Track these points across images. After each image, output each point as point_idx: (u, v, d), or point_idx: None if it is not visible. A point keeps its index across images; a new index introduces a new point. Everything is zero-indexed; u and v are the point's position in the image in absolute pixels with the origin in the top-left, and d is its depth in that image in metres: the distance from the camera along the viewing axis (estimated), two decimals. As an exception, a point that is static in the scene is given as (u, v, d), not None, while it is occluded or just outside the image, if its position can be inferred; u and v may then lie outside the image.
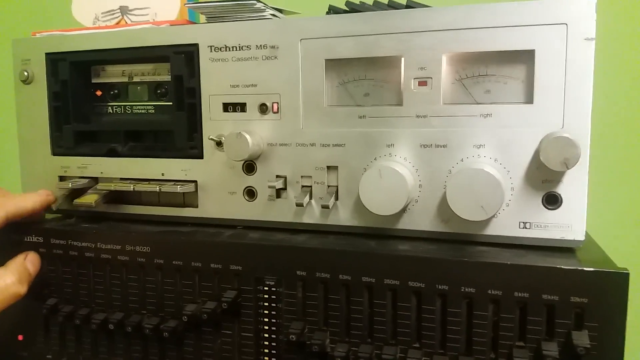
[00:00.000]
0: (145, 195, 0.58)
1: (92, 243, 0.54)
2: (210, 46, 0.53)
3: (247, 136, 0.50)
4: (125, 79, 0.59)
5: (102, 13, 0.67)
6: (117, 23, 0.67)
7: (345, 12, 0.52)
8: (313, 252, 0.47)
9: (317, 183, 0.51)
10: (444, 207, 0.47)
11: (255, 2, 0.55)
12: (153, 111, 0.59)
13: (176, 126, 0.55)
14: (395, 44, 0.47)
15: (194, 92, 0.54)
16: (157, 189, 0.54)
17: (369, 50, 0.48)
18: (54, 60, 0.59)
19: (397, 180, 0.45)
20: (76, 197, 0.58)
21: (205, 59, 0.53)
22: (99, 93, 0.61)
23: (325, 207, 0.49)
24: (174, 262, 0.51)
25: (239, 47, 0.52)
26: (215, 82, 0.53)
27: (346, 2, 0.55)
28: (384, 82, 0.49)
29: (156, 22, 0.59)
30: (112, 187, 0.55)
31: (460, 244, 0.47)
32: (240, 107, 0.53)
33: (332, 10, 0.56)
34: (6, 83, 0.94)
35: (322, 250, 0.47)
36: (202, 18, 0.59)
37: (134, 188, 0.55)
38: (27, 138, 0.61)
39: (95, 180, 0.59)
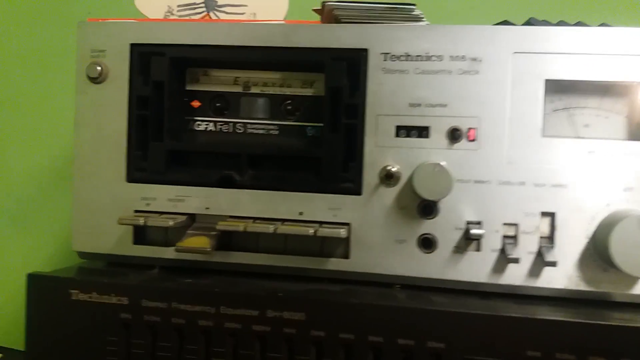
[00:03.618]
0: (264, 240, 0.44)
1: (211, 307, 0.38)
2: (385, 53, 0.41)
3: (449, 170, 0.39)
4: (239, 89, 0.45)
5: (179, 6, 0.53)
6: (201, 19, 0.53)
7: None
8: (552, 325, 0.36)
9: (526, 233, 0.40)
10: (697, 268, 0.38)
11: (414, 7, 0.45)
12: (277, 132, 0.45)
13: (327, 152, 0.42)
14: (642, 67, 0.39)
15: (356, 111, 0.42)
16: (311, 232, 0.40)
17: (606, 72, 0.39)
18: (145, 54, 0.44)
19: (668, 234, 0.36)
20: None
21: (376, 69, 0.41)
22: (196, 104, 0.46)
23: (550, 264, 0.38)
24: (340, 336, 0.37)
25: (426, 56, 0.41)
26: (387, 99, 0.41)
27: (530, 18, 0.47)
28: (611, 112, 0.41)
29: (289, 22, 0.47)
30: (241, 227, 0.40)
31: None
32: (421, 131, 0.41)
33: (505, 23, 0.47)
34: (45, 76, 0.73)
35: (567, 323, 0.36)
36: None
37: (275, 230, 0.40)
38: (86, 156, 0.45)
39: (191, 218, 0.44)
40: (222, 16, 0.52)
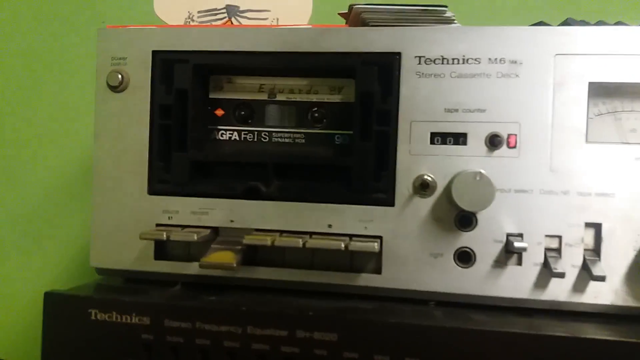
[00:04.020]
0: (290, 254, 0.42)
1: (238, 327, 0.36)
2: (420, 57, 0.39)
3: (491, 179, 0.36)
4: (264, 96, 0.44)
5: (200, 12, 0.51)
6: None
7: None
8: (600, 345, 0.34)
9: (570, 245, 0.38)
10: None
11: (445, 8, 0.43)
12: (303, 141, 0.43)
13: (357, 161, 0.40)
14: (696, 68, 0.36)
15: (388, 117, 0.40)
16: (342, 246, 0.38)
17: (655, 73, 0.37)
18: (167, 62, 0.42)
19: None
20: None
21: (409, 72, 0.39)
22: (219, 112, 0.44)
23: (598, 279, 0.36)
24: (375, 357, 0.35)
25: (463, 59, 0.39)
26: (422, 104, 0.39)
27: (567, 19, 0.45)
28: (660, 117, 0.38)
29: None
30: (269, 241, 0.38)
31: None
32: (458, 138, 0.39)
33: (541, 24, 0.45)
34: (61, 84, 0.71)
35: (616, 343, 0.33)
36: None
37: (304, 244, 0.38)
38: (106, 167, 0.43)
39: (215, 231, 0.42)
40: (244, 22, 0.51)
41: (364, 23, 0.45)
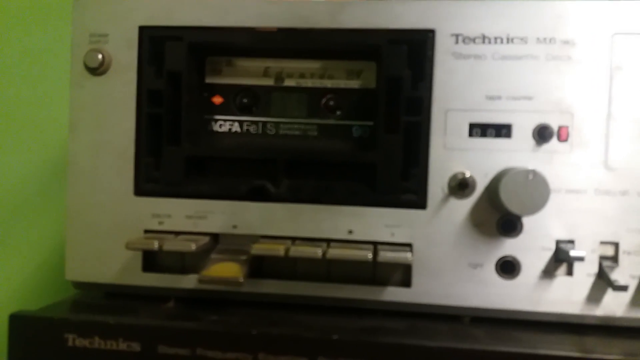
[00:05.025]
0: (302, 264, 0.36)
1: (247, 353, 0.30)
2: (457, 35, 0.34)
3: (545, 178, 0.31)
4: (270, 82, 0.38)
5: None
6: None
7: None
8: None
9: (628, 253, 0.33)
10: None
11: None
12: (316, 133, 0.37)
13: (383, 157, 0.34)
14: None
15: (420, 105, 0.34)
16: (369, 256, 0.32)
17: None
18: (157, 39, 0.36)
19: None
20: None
21: (445, 54, 0.34)
22: (217, 100, 0.38)
23: (666, 292, 0.31)
24: (411, 388, 0.30)
25: (508, 38, 0.33)
26: (459, 91, 0.34)
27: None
28: None
29: None
30: (282, 251, 0.32)
31: None
32: (500, 130, 0.34)
33: None
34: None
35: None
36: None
37: (324, 254, 0.32)
38: (84, 164, 0.36)
39: (214, 238, 0.36)
40: None
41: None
